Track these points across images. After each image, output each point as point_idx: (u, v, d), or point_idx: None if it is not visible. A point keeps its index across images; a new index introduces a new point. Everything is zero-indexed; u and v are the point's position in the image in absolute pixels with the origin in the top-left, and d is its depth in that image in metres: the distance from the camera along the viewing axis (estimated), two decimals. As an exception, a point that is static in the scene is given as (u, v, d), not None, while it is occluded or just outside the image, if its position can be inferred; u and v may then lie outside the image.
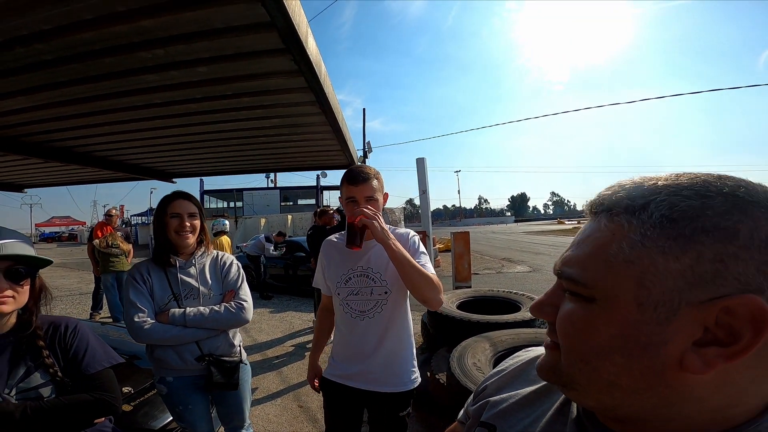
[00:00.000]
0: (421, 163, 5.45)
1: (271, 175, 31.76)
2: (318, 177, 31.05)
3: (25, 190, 5.30)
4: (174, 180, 4.98)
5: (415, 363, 1.59)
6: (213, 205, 33.33)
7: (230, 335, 1.85)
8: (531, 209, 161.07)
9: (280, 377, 3.92)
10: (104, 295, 5.59)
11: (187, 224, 1.72)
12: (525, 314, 3.40)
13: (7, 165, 3.99)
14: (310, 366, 1.77)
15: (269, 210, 28.34)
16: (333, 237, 1.69)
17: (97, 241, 5.23)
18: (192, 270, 1.78)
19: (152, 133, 3.15)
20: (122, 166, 4.10)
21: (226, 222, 5.74)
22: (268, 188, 33.71)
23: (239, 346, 1.91)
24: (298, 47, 1.83)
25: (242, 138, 3.46)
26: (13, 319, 1.17)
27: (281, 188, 34.95)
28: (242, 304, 1.80)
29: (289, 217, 21.33)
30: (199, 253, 1.82)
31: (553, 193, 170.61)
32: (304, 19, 1.76)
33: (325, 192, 32.77)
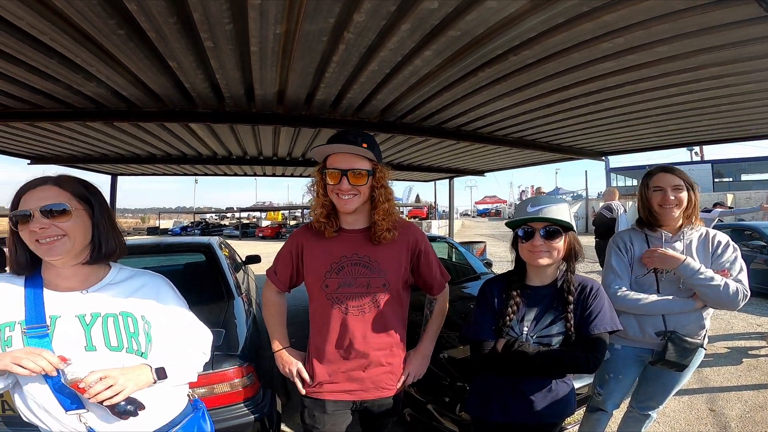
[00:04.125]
0: None
1: (695, 148, 25.58)
2: (782, 142, 22.15)
3: (485, 173, 7.04)
4: (603, 158, 5.04)
5: None
6: (621, 183, 31.05)
7: (704, 316, 1.74)
8: None
9: (697, 376, 3.48)
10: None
11: (671, 198, 1.68)
12: None
13: (478, 154, 5.36)
14: None
15: (696, 188, 23.22)
16: None
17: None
18: (678, 244, 1.75)
19: (594, 116, 3.29)
20: (561, 149, 4.54)
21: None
22: (693, 162, 27.43)
23: (706, 330, 1.78)
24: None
25: (697, 109, 3.02)
26: (553, 272, 1.42)
27: (713, 162, 27.57)
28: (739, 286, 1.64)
29: (729, 196, 16.69)
30: (687, 227, 1.76)
31: None
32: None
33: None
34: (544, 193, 6.27)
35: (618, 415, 2.10)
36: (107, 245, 1.09)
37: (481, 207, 65.49)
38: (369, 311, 1.45)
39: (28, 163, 5.04)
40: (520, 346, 1.33)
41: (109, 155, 4.87)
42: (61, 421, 1.01)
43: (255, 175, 7.62)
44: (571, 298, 1.35)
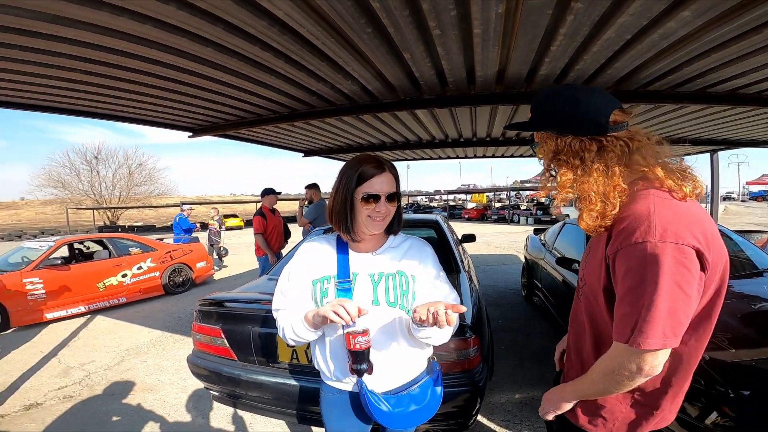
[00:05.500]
0: None
1: None
2: None
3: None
4: None
5: None
6: None
7: None
8: None
9: None
10: None
11: None
12: None
13: (761, 121, 4.04)
14: None
15: None
16: None
17: None
18: None
19: None
20: None
21: None
22: None
23: None
24: None
25: None
26: None
27: None
28: None
29: None
30: None
31: None
32: None
33: None
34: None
35: None
36: (402, 220, 1.28)
37: (756, 189, 47.66)
38: (580, 302, 1.10)
39: (302, 156, 6.53)
40: None
41: (352, 145, 5.90)
42: (342, 369, 1.19)
43: (466, 157, 7.84)
44: None
